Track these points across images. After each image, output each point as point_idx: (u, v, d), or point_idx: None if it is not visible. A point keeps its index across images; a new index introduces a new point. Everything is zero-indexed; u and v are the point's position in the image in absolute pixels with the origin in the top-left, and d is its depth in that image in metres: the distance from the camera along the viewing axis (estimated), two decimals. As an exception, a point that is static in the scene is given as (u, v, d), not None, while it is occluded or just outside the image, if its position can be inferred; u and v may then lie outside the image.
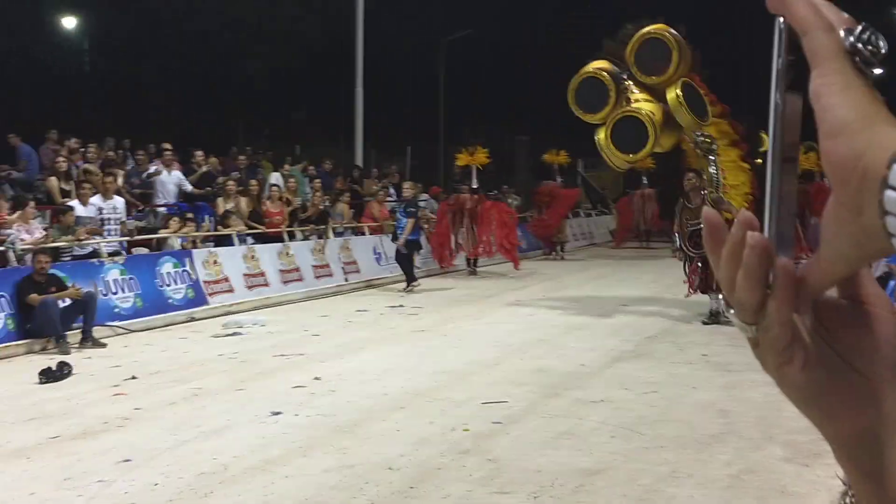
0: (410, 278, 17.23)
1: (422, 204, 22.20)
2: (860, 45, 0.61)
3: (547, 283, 18.32)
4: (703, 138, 12.86)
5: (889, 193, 0.56)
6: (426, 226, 20.49)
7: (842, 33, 0.61)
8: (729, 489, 5.84)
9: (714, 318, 12.55)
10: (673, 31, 12.16)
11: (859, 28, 0.62)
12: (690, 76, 12.39)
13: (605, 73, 12.45)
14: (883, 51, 0.61)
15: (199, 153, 18.33)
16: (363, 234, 19.50)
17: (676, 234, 13.16)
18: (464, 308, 14.78)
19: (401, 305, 15.05)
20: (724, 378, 9.00)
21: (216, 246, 15.44)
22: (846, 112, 0.59)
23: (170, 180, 16.73)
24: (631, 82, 12.44)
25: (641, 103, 12.27)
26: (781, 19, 0.65)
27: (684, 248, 12.90)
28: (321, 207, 18.37)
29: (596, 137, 12.43)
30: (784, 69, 0.65)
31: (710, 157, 12.91)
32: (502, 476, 6.08)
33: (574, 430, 7.18)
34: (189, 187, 17.01)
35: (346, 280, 17.89)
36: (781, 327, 0.66)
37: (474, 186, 19.44)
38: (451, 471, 6.21)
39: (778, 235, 0.66)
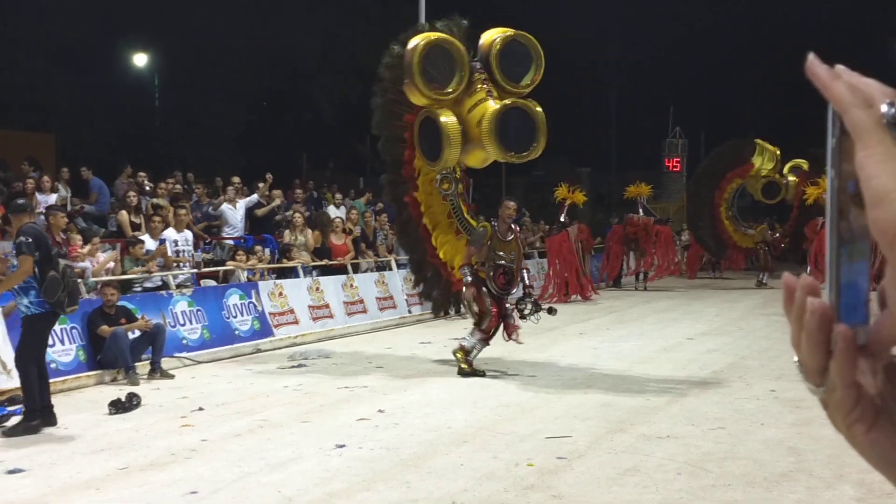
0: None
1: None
2: None
3: (611, 315, 18.17)
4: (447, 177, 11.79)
5: None
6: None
7: (883, 107, 0.65)
8: (800, 529, 5.71)
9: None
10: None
11: None
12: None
13: (461, 48, 11.18)
14: None
15: (262, 185, 18.61)
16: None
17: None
18: (528, 340, 14.67)
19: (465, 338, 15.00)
20: (793, 415, 8.82)
21: (281, 278, 15.61)
22: (886, 181, 0.63)
23: (236, 212, 16.99)
24: (484, 76, 11.15)
25: (477, 106, 10.89)
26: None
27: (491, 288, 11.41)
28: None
29: (444, 120, 10.84)
30: (837, 148, 0.68)
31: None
32: (567, 513, 6.02)
33: (639, 467, 7.09)
34: (256, 207, 17.34)
35: (410, 312, 17.96)
36: (845, 389, 0.68)
37: (562, 220, 20.86)
38: (515, 507, 6.16)
39: (840, 301, 0.68)
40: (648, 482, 6.67)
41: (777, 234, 27.35)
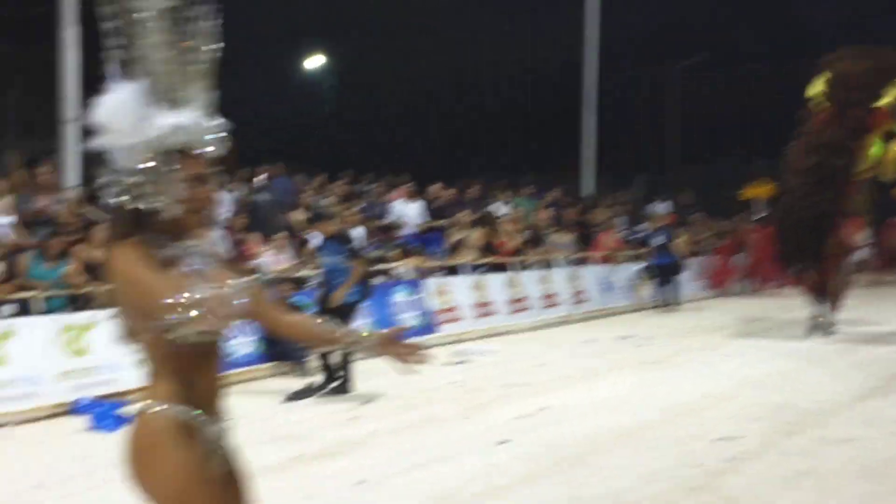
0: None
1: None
2: None
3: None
4: None
5: None
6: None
7: None
8: None
9: None
10: None
11: None
12: None
13: None
14: None
15: (436, 187, 18.80)
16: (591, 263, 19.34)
17: None
18: (698, 338, 14.37)
19: (632, 335, 14.80)
20: None
21: (446, 275, 15.75)
22: None
23: (409, 211, 17.25)
24: None
25: None
26: None
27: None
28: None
29: None
30: None
31: None
32: (736, 515, 5.84)
33: (814, 470, 6.79)
34: (425, 219, 17.50)
35: (575, 309, 17.81)
36: None
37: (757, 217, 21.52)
38: (682, 507, 6.02)
39: None
40: (825, 485, 6.39)
41: None
